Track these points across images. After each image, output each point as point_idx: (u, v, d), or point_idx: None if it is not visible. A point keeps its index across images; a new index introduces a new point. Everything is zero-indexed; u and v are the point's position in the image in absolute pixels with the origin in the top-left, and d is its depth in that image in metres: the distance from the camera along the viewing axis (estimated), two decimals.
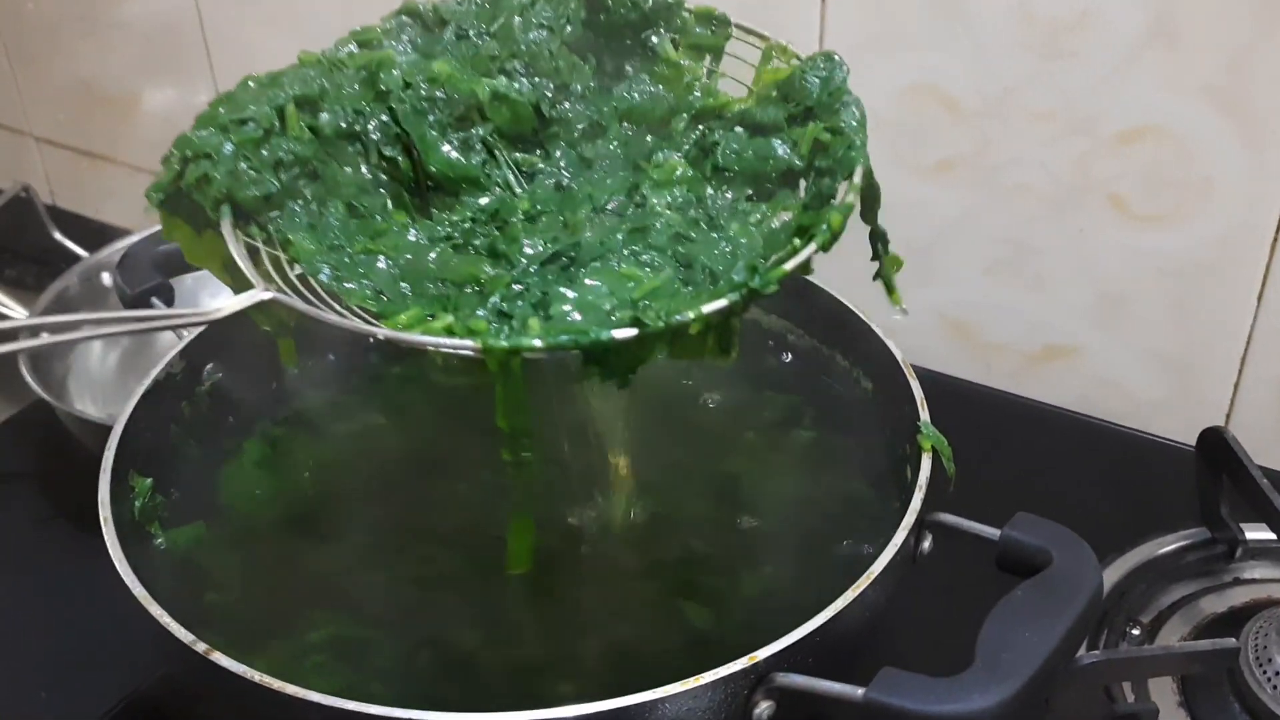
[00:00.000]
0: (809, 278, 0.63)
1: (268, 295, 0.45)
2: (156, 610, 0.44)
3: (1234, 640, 0.53)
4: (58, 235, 0.97)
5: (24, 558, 0.73)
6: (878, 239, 0.53)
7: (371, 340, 0.45)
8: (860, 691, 0.38)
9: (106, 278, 0.90)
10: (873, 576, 0.42)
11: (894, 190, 0.77)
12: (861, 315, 0.58)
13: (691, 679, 0.39)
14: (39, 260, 0.97)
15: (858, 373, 0.59)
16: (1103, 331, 0.77)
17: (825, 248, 0.47)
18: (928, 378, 0.83)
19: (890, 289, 0.53)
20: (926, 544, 0.47)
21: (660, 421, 0.58)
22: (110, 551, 0.47)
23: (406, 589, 0.52)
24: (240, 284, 0.47)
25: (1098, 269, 0.75)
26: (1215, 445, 0.64)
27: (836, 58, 0.51)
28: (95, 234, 0.98)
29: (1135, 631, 0.60)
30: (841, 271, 0.82)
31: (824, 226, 0.46)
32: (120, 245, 0.91)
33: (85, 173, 1.14)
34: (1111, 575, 0.63)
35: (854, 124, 0.49)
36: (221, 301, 0.46)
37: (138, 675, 0.61)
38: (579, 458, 0.54)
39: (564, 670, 0.48)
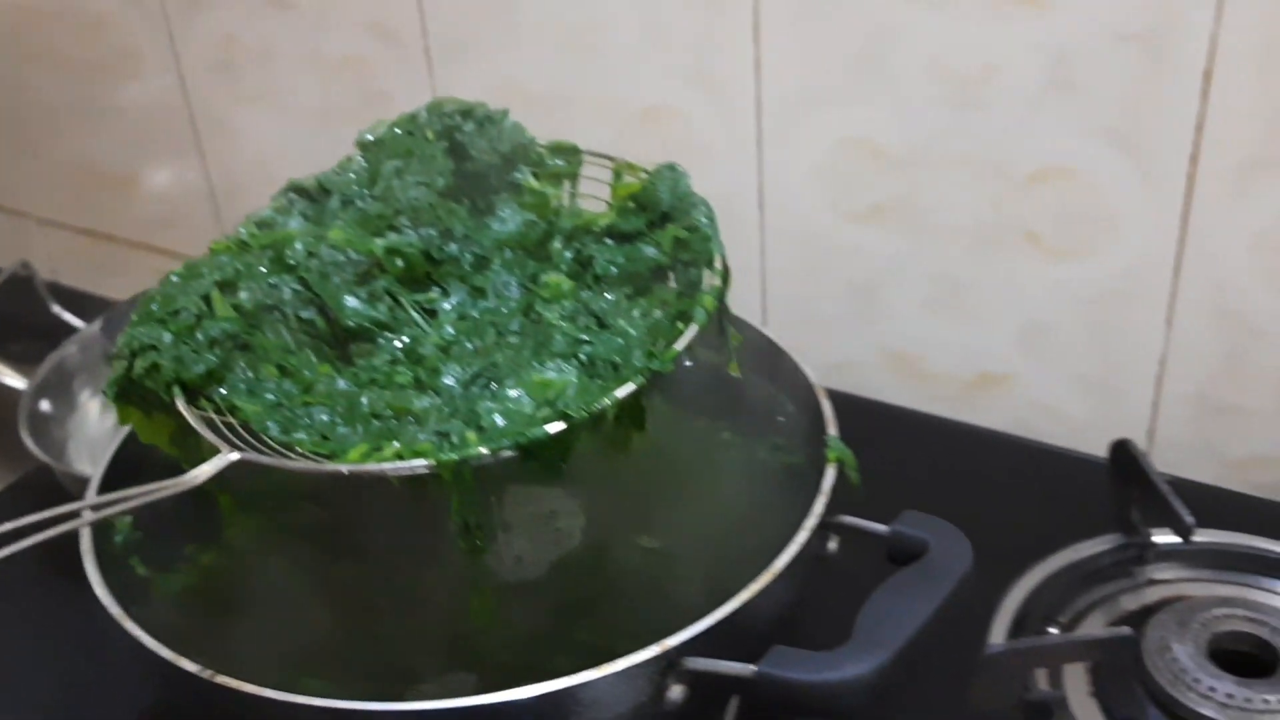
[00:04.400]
0: (740, 315, 0.69)
1: (236, 456, 0.51)
2: (133, 627, 0.49)
3: (1128, 629, 0.58)
4: (56, 309, 1.02)
5: (28, 621, 0.76)
6: (724, 316, 0.60)
7: (339, 474, 0.50)
8: (753, 668, 0.43)
9: None
10: (775, 572, 0.47)
11: (833, 234, 0.84)
12: (784, 347, 0.64)
13: (606, 665, 0.44)
14: (40, 334, 1.02)
15: (784, 399, 0.64)
16: (1031, 358, 0.82)
17: (704, 326, 0.54)
18: (876, 409, 0.89)
19: (730, 358, 0.60)
20: (834, 544, 0.52)
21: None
22: (89, 574, 0.52)
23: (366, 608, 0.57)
24: (189, 456, 0.54)
25: (1022, 301, 0.81)
26: (1124, 456, 0.70)
27: (678, 168, 0.60)
28: (97, 309, 1.04)
29: (1053, 630, 0.65)
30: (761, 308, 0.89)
31: (699, 310, 0.54)
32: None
33: (86, 251, 1.20)
34: (1032, 579, 0.68)
35: (705, 220, 0.57)
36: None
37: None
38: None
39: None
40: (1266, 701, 0.58)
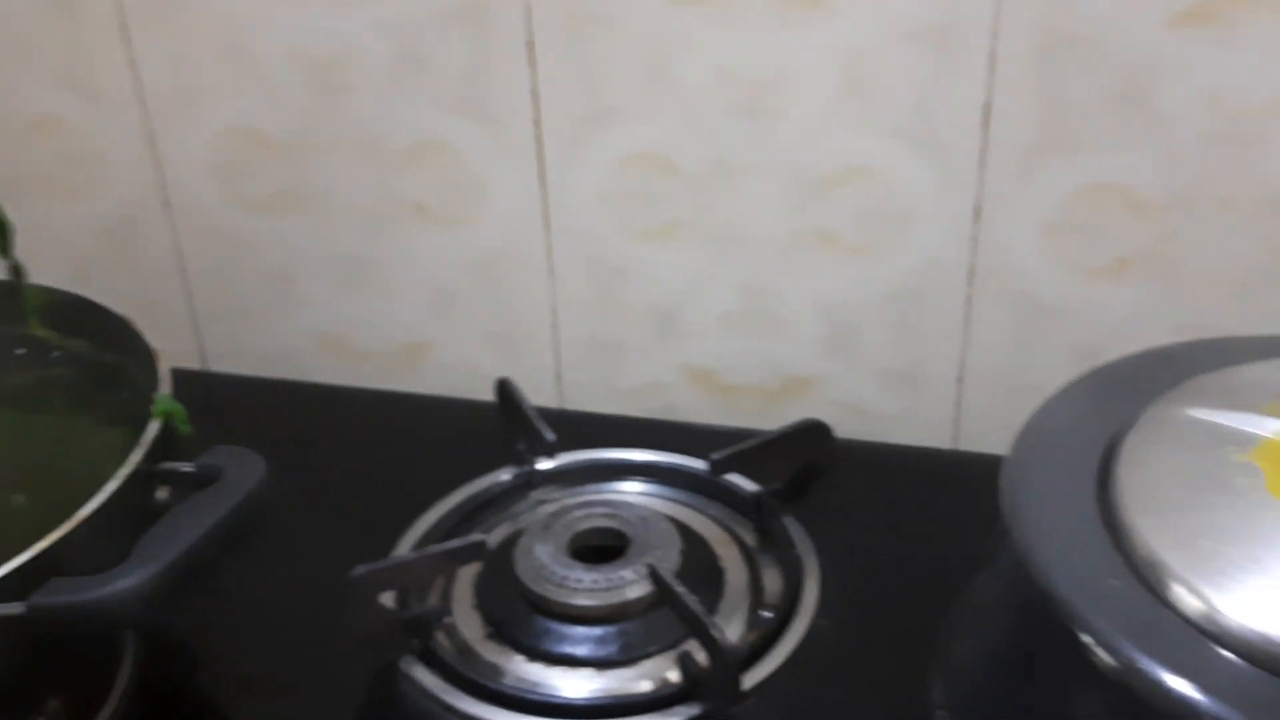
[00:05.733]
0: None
1: None
2: None
3: (479, 536, 0.64)
4: None
5: None
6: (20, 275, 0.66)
7: None
8: (23, 603, 0.45)
9: None
10: (78, 520, 0.49)
11: (239, 228, 0.87)
12: (135, 325, 0.65)
13: None
14: None
15: (140, 371, 0.65)
16: (444, 324, 0.89)
17: None
18: (312, 390, 0.91)
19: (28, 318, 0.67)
20: (164, 492, 0.54)
21: None
22: None
23: None
24: None
25: (425, 270, 0.87)
26: (505, 394, 0.76)
27: None
28: None
29: None
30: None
31: None
32: None
33: None
34: (435, 514, 0.73)
35: None
36: None
37: None
38: None
39: None
40: (610, 579, 0.65)
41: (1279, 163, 0.70)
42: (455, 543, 0.64)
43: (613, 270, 0.84)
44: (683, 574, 0.66)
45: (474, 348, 0.89)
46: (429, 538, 0.72)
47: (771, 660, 0.63)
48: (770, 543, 0.71)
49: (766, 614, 0.66)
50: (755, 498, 0.73)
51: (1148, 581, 0.35)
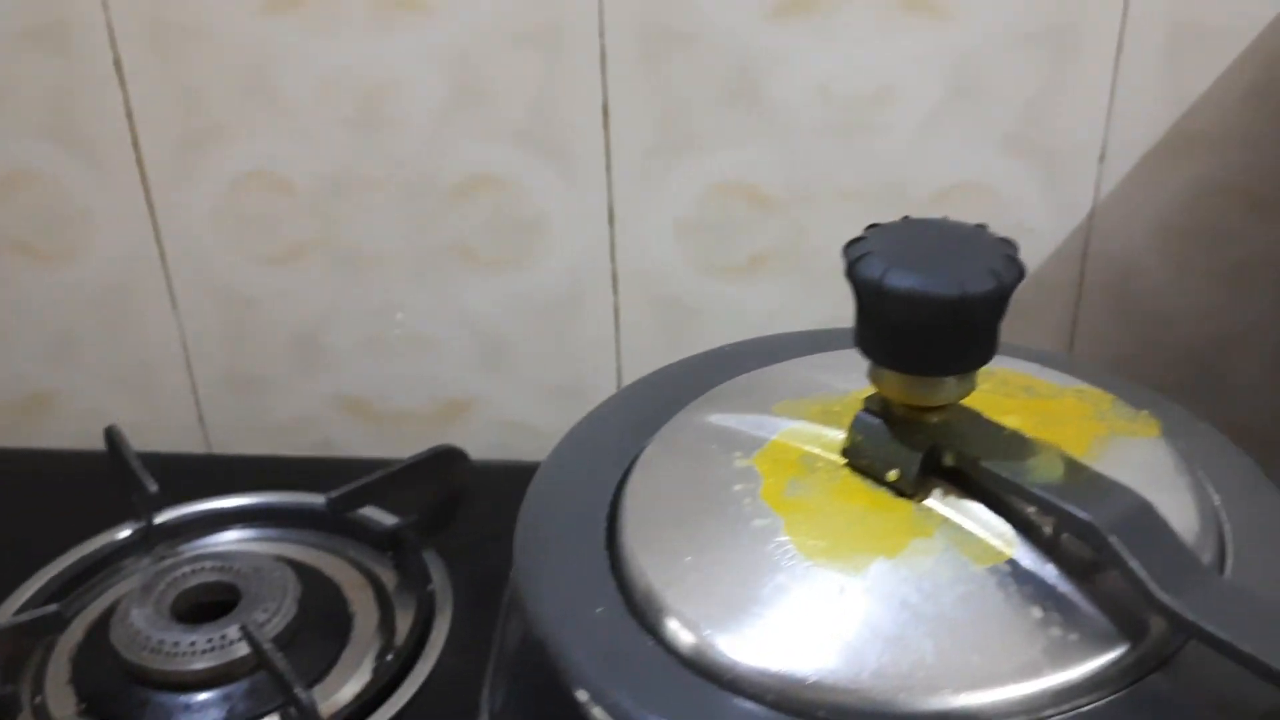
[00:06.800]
0: None
1: None
2: None
3: (54, 606, 0.58)
4: None
5: None
6: None
7: None
8: None
9: None
10: None
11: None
12: None
13: None
14: None
15: None
16: (64, 370, 0.81)
17: None
18: None
19: None
20: None
21: None
22: None
23: None
24: None
25: (40, 312, 0.79)
26: (113, 441, 0.70)
27: None
28: None
29: None
30: None
31: None
32: None
33: None
34: (39, 580, 0.66)
35: None
36: None
37: None
38: None
39: None
40: (212, 640, 0.60)
41: (890, 151, 0.70)
42: (24, 615, 0.57)
43: (241, 299, 0.78)
44: (298, 625, 0.61)
45: (102, 393, 0.82)
46: (29, 607, 0.64)
47: (390, 707, 0.58)
48: (407, 579, 0.67)
49: (391, 658, 0.62)
50: (392, 532, 0.69)
51: (636, 606, 0.33)
